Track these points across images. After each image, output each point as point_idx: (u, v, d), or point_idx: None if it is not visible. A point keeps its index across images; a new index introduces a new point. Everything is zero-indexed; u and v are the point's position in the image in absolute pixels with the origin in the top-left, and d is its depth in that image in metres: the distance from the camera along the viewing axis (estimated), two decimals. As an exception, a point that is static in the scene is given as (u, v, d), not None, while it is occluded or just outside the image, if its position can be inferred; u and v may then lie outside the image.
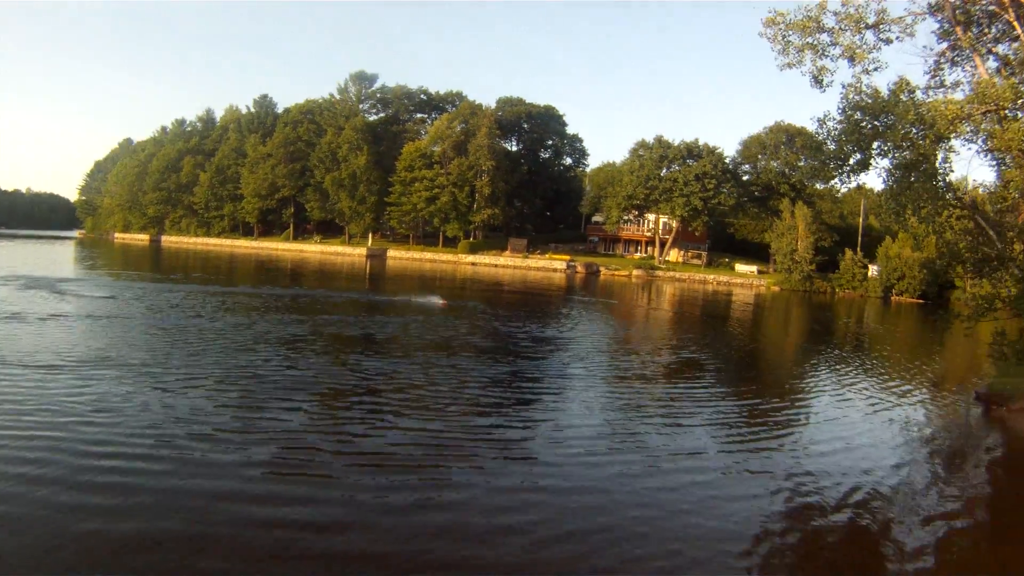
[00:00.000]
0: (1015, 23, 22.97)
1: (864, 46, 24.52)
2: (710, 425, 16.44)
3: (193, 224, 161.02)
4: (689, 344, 32.87)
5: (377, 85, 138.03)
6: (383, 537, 9.18)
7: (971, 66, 24.85)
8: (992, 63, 25.08)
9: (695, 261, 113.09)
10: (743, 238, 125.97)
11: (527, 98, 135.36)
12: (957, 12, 24.34)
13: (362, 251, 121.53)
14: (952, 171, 23.58)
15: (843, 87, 24.85)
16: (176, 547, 8.59)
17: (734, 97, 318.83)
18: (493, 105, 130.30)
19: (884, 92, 24.19)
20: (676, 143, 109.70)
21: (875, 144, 24.38)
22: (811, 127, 28.47)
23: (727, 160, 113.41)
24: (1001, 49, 25.14)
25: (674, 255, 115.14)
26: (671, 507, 10.88)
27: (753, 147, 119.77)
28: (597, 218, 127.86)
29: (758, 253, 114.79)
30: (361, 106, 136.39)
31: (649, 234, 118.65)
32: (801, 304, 72.65)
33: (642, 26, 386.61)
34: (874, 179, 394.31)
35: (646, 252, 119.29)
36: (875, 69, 24.67)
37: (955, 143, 24.06)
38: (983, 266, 25.11)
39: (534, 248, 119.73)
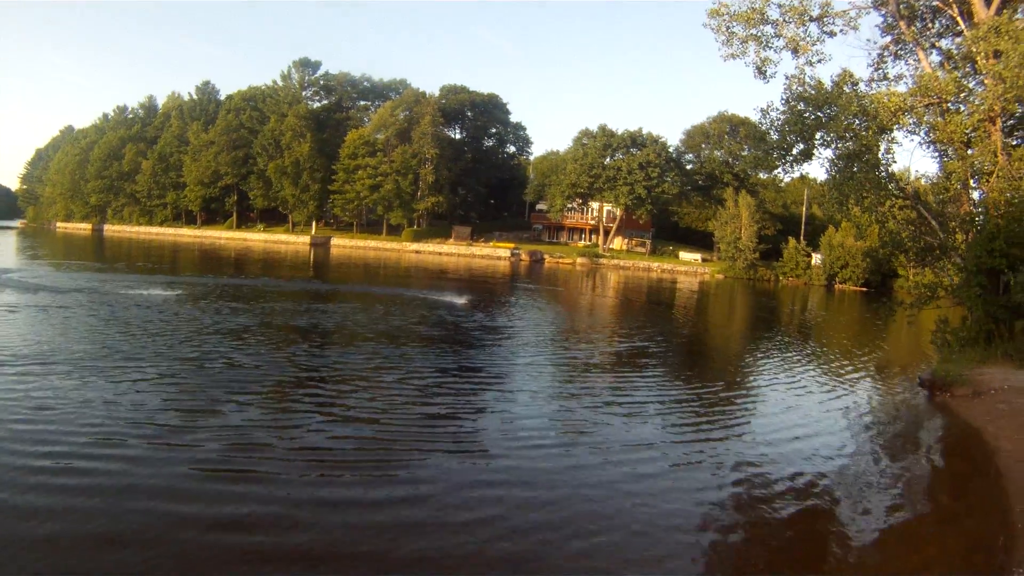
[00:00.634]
0: (958, 18, 23.45)
1: (808, 38, 24.85)
2: (658, 415, 16.49)
3: (136, 213, 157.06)
4: (636, 333, 33.03)
5: (320, 72, 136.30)
6: (322, 535, 8.95)
7: (914, 60, 25.32)
8: (935, 57, 25.61)
9: (639, 249, 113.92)
10: (687, 226, 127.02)
11: (471, 86, 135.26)
12: (901, 7, 24.75)
13: (306, 239, 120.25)
14: (895, 162, 24.04)
15: (786, 78, 25.18)
16: (101, 547, 8.28)
17: (678, 87, 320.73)
18: (437, 93, 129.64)
19: (827, 84, 24.55)
20: (620, 132, 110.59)
21: (818, 134, 24.74)
22: (754, 117, 28.82)
23: (671, 149, 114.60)
24: (944, 44, 25.67)
25: (618, 243, 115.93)
26: (621, 499, 10.82)
27: (697, 137, 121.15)
28: (541, 206, 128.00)
29: (702, 241, 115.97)
30: (304, 93, 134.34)
31: (593, 222, 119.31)
32: (745, 292, 73.68)
33: (586, 15, 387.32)
34: (817, 169, 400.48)
35: (590, 240, 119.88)
36: (819, 61, 25.05)
37: (898, 134, 24.54)
38: (926, 255, 25.64)
39: (478, 236, 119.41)
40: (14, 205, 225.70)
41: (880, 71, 26.06)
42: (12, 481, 9.89)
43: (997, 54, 21.43)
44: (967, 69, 23.43)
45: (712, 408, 17.94)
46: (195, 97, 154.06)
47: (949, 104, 22.80)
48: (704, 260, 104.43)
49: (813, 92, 24.42)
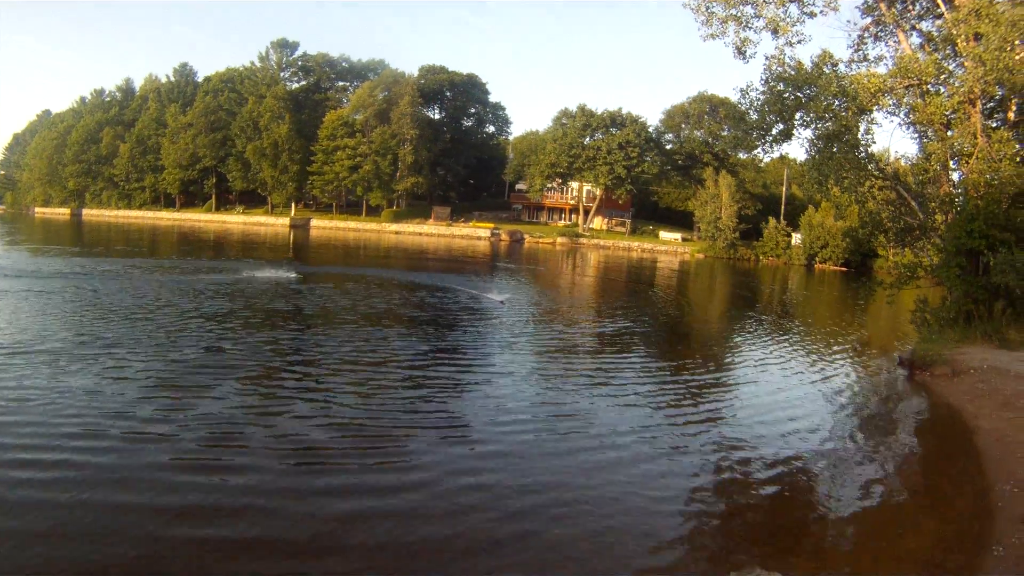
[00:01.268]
0: (939, 1, 23.49)
1: (788, 19, 24.80)
2: (642, 396, 16.57)
3: (114, 197, 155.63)
4: (618, 313, 33.19)
5: (299, 53, 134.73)
6: (305, 524, 8.90)
7: (895, 41, 25.36)
8: (916, 39, 25.64)
9: (619, 229, 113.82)
10: (667, 206, 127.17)
11: (449, 67, 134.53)
12: (883, -13, 24.78)
13: (285, 221, 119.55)
14: (874, 143, 24.17)
15: (766, 59, 25.20)
16: (76, 540, 8.21)
17: (658, 68, 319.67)
18: (415, 73, 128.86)
19: (807, 64, 24.59)
20: (599, 112, 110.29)
21: (798, 115, 24.82)
22: (734, 98, 28.86)
23: (650, 129, 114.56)
24: (925, 26, 25.70)
25: (598, 223, 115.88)
26: (605, 483, 10.87)
27: (676, 117, 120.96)
28: (521, 186, 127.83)
29: (682, 221, 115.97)
30: (282, 74, 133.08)
31: (573, 202, 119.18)
32: (726, 271, 73.95)
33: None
34: (797, 149, 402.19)
35: (570, 220, 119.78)
36: (798, 42, 25.01)
37: (877, 115, 24.66)
38: (905, 236, 25.83)
39: (458, 216, 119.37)
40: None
41: (860, 52, 26.09)
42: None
43: (978, 37, 21.51)
44: (947, 51, 23.50)
45: (694, 389, 17.99)
46: (173, 79, 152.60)
47: (929, 86, 22.89)
48: (684, 240, 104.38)
49: (793, 73, 24.47)
